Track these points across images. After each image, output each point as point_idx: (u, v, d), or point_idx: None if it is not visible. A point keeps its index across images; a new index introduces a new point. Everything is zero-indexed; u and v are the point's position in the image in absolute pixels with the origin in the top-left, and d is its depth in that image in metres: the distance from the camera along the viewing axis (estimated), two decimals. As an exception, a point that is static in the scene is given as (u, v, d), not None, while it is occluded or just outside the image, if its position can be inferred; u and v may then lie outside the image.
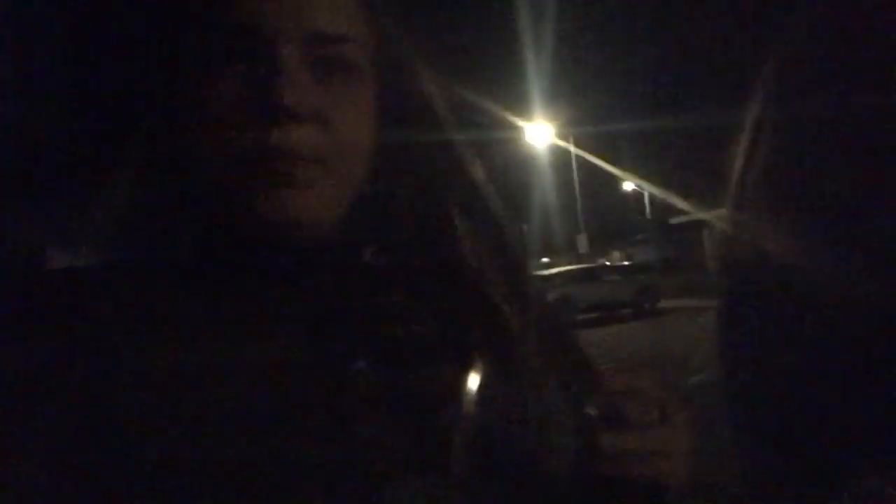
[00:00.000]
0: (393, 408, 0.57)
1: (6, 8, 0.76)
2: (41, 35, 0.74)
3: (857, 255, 0.74)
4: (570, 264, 17.64)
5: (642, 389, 0.57)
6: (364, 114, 0.60)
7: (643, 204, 30.16)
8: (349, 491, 0.54)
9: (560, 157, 26.54)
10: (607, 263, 20.99)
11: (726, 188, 0.88)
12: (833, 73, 0.77)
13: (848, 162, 0.76)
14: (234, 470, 0.52)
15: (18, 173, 0.75)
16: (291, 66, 0.54)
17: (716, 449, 0.74)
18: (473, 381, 0.60)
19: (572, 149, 25.59)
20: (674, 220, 25.08)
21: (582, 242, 24.66)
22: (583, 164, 26.16)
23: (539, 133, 25.49)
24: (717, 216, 0.90)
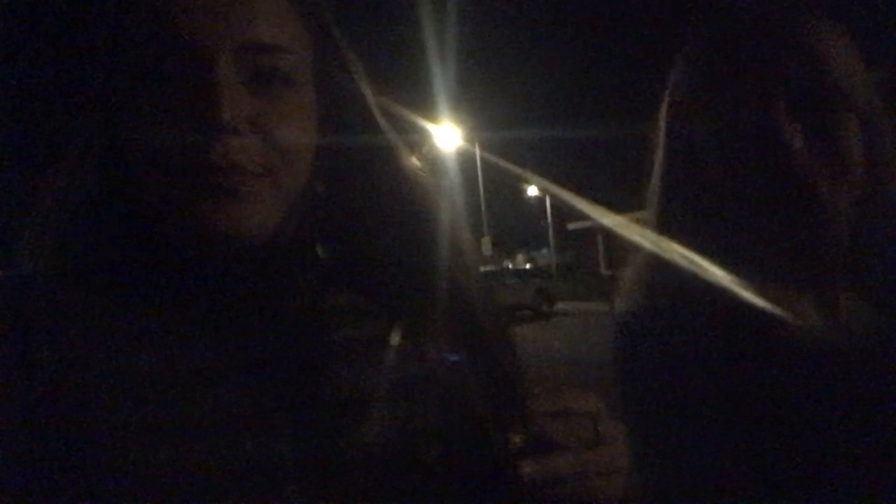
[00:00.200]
0: (350, 404, 0.58)
1: None
2: None
3: (748, 262, 0.76)
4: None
5: (573, 409, 0.56)
6: (304, 123, 0.59)
7: (545, 209, 31.01)
8: (322, 490, 0.55)
9: (466, 161, 26.93)
10: (510, 266, 21.47)
11: (624, 194, 0.92)
12: (718, 88, 0.78)
13: (734, 172, 0.77)
14: (191, 475, 0.51)
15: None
16: (228, 79, 0.53)
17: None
18: (424, 377, 0.61)
19: (478, 152, 26.00)
20: (571, 226, 25.92)
21: (486, 245, 25.10)
22: (488, 168, 26.62)
23: (446, 136, 25.76)
24: (613, 222, 0.92)
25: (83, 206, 0.58)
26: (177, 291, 0.57)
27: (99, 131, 0.58)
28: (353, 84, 0.64)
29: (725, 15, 0.80)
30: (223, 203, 0.54)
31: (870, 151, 0.76)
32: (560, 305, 18.09)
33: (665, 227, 0.84)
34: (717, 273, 0.76)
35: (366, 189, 0.65)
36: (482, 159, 25.96)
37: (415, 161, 0.68)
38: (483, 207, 26.70)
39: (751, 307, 0.75)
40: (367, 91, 0.65)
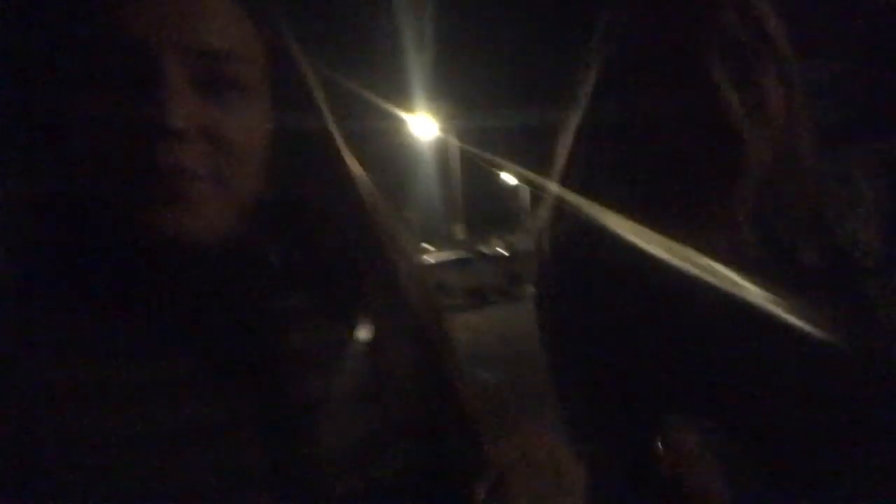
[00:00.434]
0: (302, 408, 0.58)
1: None
2: None
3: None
4: (447, 251, 18.12)
5: (534, 455, 0.56)
6: (256, 129, 0.59)
7: (522, 193, 31.06)
8: (290, 495, 0.55)
9: (442, 148, 27.00)
10: (484, 251, 21.58)
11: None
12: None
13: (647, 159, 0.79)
14: (156, 485, 0.51)
15: None
16: (176, 84, 0.53)
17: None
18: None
19: (453, 140, 26.09)
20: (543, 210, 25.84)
21: (459, 231, 25.25)
22: (464, 155, 26.72)
23: (422, 125, 25.82)
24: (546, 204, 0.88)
25: (30, 210, 0.57)
26: (129, 297, 0.56)
27: (49, 135, 0.56)
28: (306, 91, 0.64)
29: None
30: (171, 208, 0.53)
31: (786, 100, 0.78)
32: (530, 289, 18.17)
33: (582, 181, 0.84)
34: (632, 229, 0.76)
35: (314, 193, 0.65)
36: (459, 148, 26.06)
37: (358, 165, 0.68)
38: (459, 193, 26.83)
39: (664, 264, 0.75)
40: (320, 97, 0.65)
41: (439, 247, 20.17)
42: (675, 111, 0.75)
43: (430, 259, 17.04)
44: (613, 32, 0.83)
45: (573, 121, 0.88)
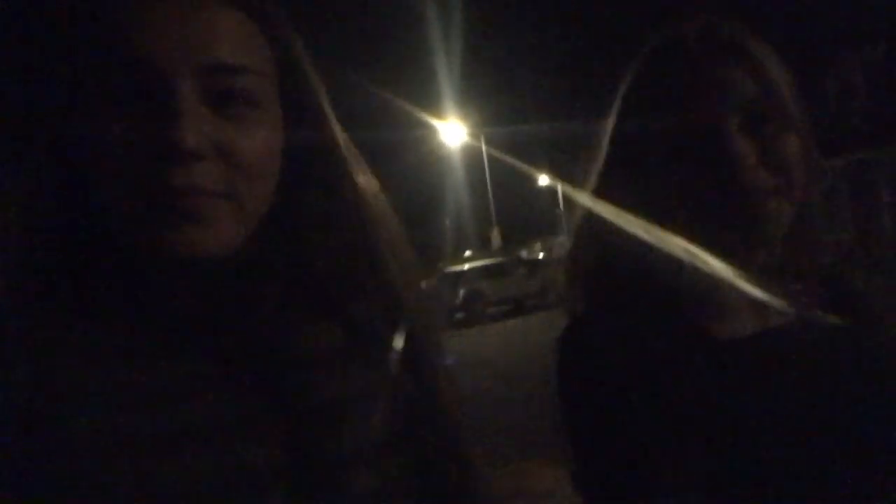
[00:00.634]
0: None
1: None
2: None
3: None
4: (484, 258, 18.00)
5: (533, 490, 0.57)
6: (269, 145, 0.58)
7: (557, 198, 30.96)
8: (306, 497, 0.56)
9: (473, 156, 27.05)
10: (523, 256, 21.43)
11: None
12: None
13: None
14: (174, 488, 0.51)
15: None
16: (189, 102, 0.52)
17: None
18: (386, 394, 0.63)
19: (483, 147, 26.11)
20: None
21: (495, 237, 25.19)
22: (495, 161, 26.72)
23: (452, 132, 25.91)
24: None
25: (45, 224, 0.57)
26: (145, 307, 0.57)
27: (59, 151, 0.56)
28: (317, 106, 0.64)
29: (678, 26, 0.82)
30: (185, 227, 0.53)
31: (807, 171, 0.79)
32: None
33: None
34: (664, 258, 0.77)
35: (323, 208, 0.65)
36: (488, 154, 26.07)
37: (370, 179, 0.69)
38: (491, 199, 26.83)
39: (695, 306, 0.78)
40: (330, 112, 0.65)
41: (478, 254, 20.10)
42: (697, 184, 0.76)
43: (465, 266, 17.03)
44: (630, 105, 0.84)
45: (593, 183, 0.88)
